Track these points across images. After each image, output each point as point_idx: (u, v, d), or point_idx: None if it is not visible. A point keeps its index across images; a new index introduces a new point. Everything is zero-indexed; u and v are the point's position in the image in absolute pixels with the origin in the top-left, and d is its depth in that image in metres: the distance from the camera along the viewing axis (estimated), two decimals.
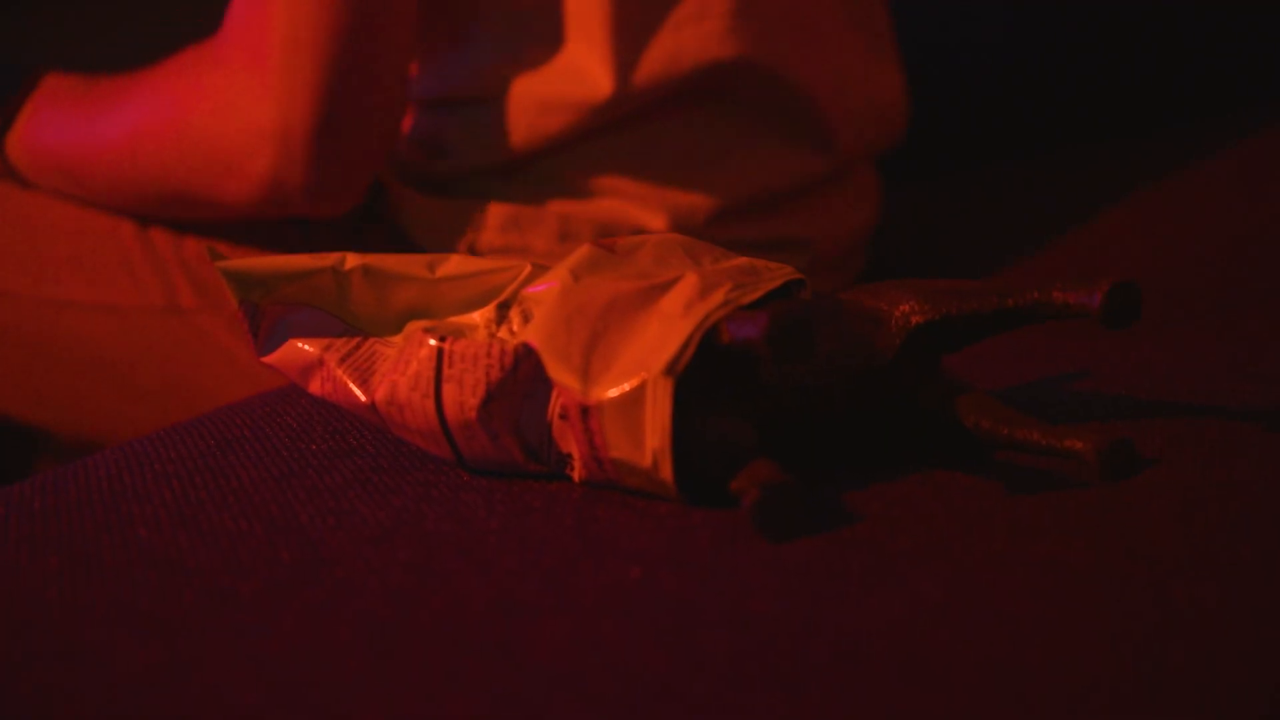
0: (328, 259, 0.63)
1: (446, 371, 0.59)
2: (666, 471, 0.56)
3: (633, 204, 0.90)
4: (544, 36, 0.88)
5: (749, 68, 0.90)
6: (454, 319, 0.62)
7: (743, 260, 0.61)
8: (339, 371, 0.61)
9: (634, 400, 0.56)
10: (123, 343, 0.96)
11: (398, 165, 0.94)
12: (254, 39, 0.84)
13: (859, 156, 0.98)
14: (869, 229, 0.99)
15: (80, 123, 0.94)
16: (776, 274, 0.60)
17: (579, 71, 0.88)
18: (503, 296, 0.62)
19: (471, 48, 0.90)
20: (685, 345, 0.56)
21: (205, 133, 0.87)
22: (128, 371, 0.96)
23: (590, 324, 0.58)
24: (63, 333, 0.97)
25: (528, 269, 0.62)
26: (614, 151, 0.90)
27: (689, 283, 0.58)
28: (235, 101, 0.85)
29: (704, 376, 0.57)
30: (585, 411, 0.57)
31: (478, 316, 0.62)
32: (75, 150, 0.94)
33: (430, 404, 0.59)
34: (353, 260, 0.63)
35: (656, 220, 0.89)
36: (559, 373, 0.57)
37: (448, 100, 0.92)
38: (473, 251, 0.90)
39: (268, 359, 0.63)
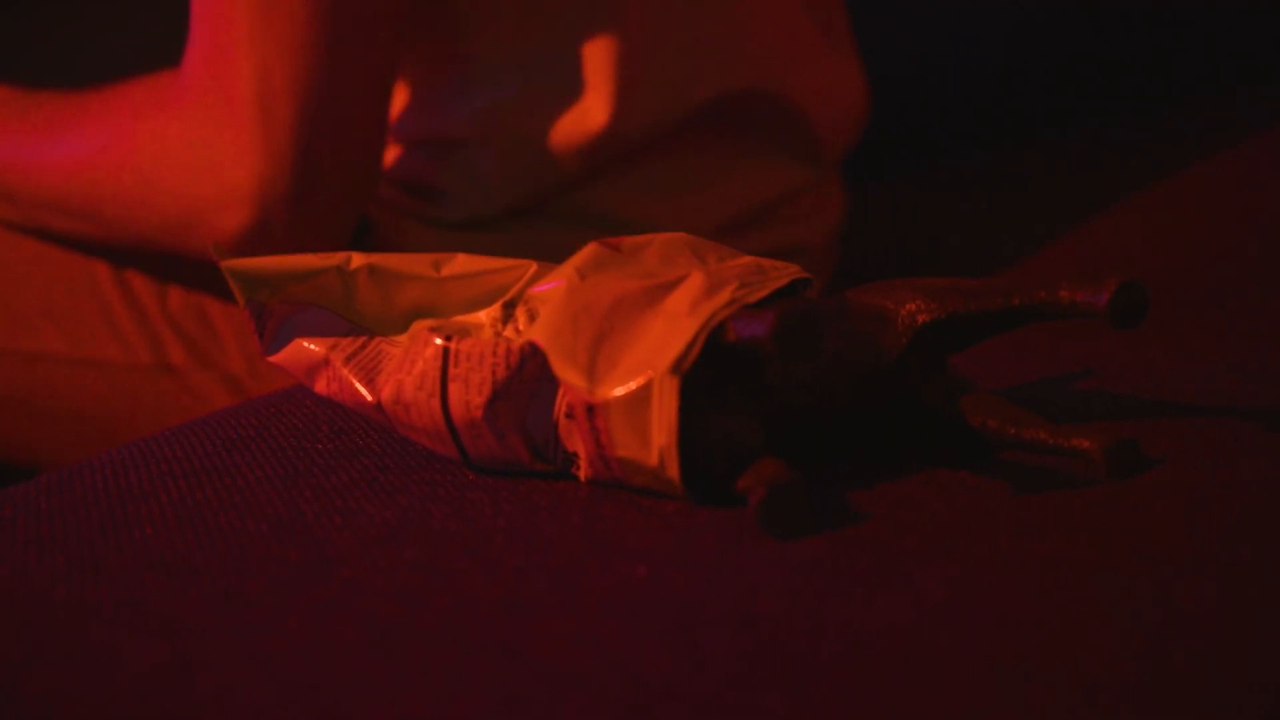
0: (333, 258, 0.63)
1: (452, 371, 0.59)
2: (673, 470, 0.56)
3: (638, 230, 0.89)
4: (547, 79, 0.87)
5: (750, 94, 0.90)
6: (459, 318, 0.62)
7: (749, 259, 0.61)
8: (345, 371, 0.62)
9: (640, 399, 0.56)
10: (110, 399, 0.93)
11: (385, 204, 0.92)
12: (223, 92, 0.81)
13: (838, 159, 0.99)
14: (841, 225, 1.00)
15: (25, 141, 0.89)
16: (783, 272, 0.60)
17: (583, 114, 0.86)
18: (508, 295, 0.62)
19: (468, 89, 0.88)
20: (691, 344, 0.56)
21: (172, 186, 0.83)
22: (117, 428, 0.93)
23: (596, 323, 0.58)
24: (41, 386, 0.93)
25: (533, 268, 0.62)
26: (618, 185, 0.89)
27: (695, 281, 0.58)
28: (207, 158, 0.82)
29: (710, 375, 0.57)
30: (591, 410, 0.57)
31: (483, 315, 0.62)
32: (18, 170, 0.89)
33: (436, 403, 0.59)
34: (358, 260, 0.63)
35: None
36: (565, 371, 0.57)
37: (441, 141, 0.90)
38: None
39: (274, 358, 0.63)
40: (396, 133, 0.91)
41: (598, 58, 0.86)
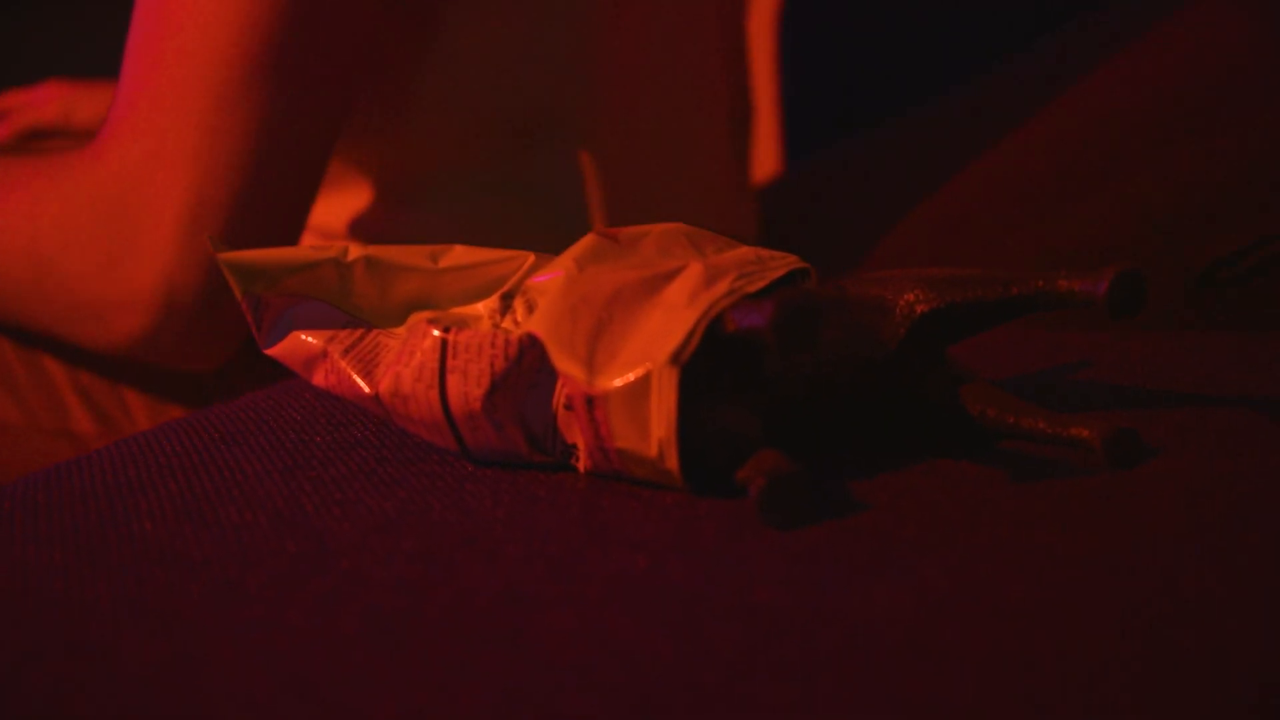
0: (330, 250, 0.63)
1: (450, 362, 0.59)
2: (672, 461, 0.56)
3: None
4: (526, 197, 0.87)
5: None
6: (457, 310, 0.62)
7: (746, 249, 0.61)
8: (343, 363, 0.61)
9: (639, 390, 0.56)
10: (4, 458, 0.91)
11: None
12: (153, 196, 0.79)
13: None
14: None
15: None
16: (781, 263, 0.60)
17: (563, 236, 0.87)
18: (506, 287, 0.62)
19: (421, 198, 0.87)
20: (690, 334, 0.56)
21: (74, 279, 0.81)
22: None
23: (595, 313, 0.58)
24: None
25: (531, 259, 0.62)
26: None
27: (693, 272, 0.58)
28: (117, 256, 0.79)
29: (709, 366, 0.57)
30: (590, 401, 0.57)
31: (481, 307, 0.62)
32: None
33: (434, 395, 0.59)
34: (355, 251, 0.63)
35: None
36: (563, 362, 0.57)
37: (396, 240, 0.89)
38: None
39: (271, 351, 0.63)
40: (353, 230, 0.91)
41: (580, 183, 0.87)
